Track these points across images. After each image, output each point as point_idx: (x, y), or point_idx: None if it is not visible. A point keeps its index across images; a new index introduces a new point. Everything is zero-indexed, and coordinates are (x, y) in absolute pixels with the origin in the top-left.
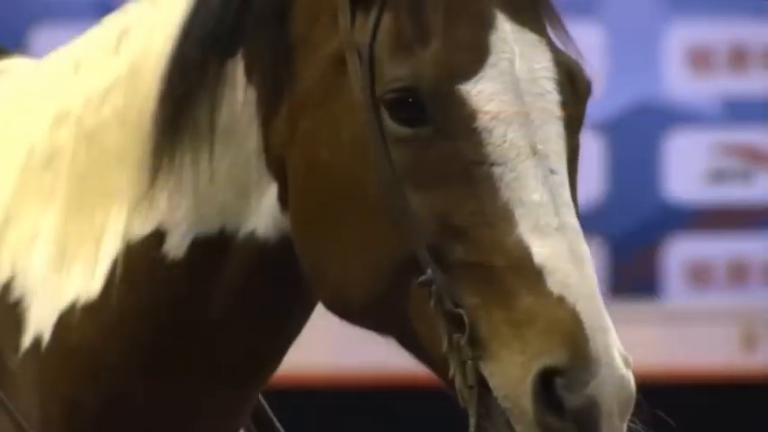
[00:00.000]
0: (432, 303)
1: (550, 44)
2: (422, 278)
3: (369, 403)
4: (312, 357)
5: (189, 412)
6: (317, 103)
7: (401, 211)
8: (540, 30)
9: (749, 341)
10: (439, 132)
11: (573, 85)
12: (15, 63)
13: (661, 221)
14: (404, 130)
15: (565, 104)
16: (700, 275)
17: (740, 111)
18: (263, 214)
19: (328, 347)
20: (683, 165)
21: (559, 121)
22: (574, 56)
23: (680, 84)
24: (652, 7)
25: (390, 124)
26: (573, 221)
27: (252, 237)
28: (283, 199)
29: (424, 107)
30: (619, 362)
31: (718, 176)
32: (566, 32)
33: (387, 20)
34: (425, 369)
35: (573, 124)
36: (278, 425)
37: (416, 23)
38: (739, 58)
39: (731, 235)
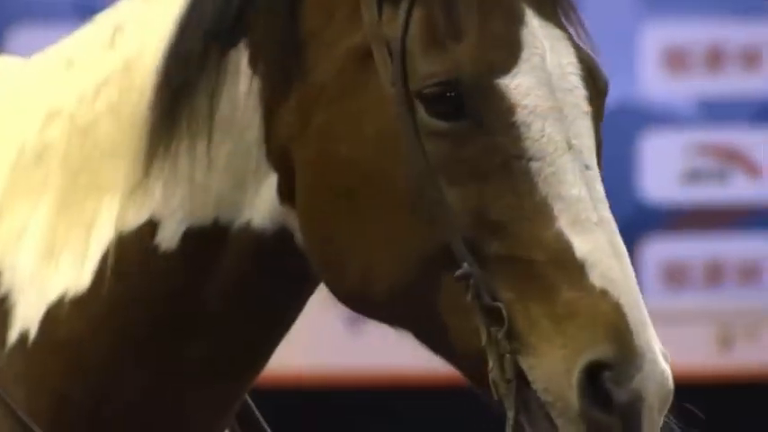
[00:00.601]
0: (469, 297)
1: (571, 40)
2: (459, 272)
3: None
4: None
5: (186, 405)
6: (333, 97)
7: (435, 203)
8: (561, 25)
9: (726, 341)
10: (477, 126)
11: (594, 82)
12: (0, 61)
13: (637, 222)
14: (440, 124)
15: (590, 100)
16: (676, 276)
17: (716, 111)
18: (260, 205)
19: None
20: (660, 165)
21: (587, 116)
22: (591, 53)
23: (656, 84)
24: (628, 7)
25: (425, 118)
26: (609, 216)
27: (248, 228)
28: (283, 191)
29: (463, 102)
30: (660, 357)
31: (694, 177)
32: (583, 29)
33: (417, 14)
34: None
35: (595, 120)
36: (264, 424)
37: (449, 18)
38: (715, 59)
39: (707, 235)
